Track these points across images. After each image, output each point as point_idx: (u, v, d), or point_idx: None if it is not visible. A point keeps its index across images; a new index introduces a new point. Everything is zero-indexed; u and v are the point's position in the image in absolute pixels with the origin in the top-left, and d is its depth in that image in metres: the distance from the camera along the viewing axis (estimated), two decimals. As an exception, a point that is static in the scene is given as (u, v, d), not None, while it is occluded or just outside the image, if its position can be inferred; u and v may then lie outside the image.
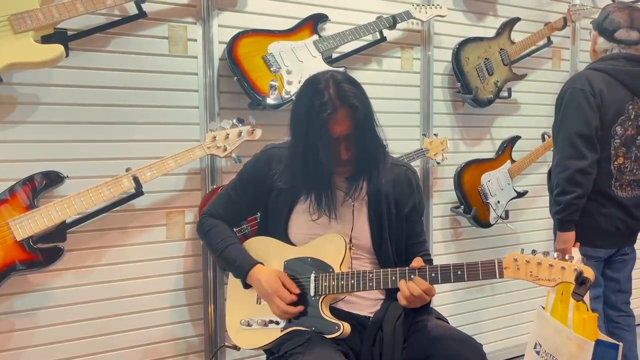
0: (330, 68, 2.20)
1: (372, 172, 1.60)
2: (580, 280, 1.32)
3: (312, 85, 1.54)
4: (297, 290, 1.58)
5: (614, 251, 2.13)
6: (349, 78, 1.57)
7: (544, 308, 1.75)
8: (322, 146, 1.51)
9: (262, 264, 1.64)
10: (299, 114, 1.55)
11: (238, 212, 1.77)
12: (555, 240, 2.16)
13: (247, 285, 1.66)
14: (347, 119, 1.50)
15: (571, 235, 2.03)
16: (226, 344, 1.81)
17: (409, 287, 1.47)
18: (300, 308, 1.57)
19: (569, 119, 2.04)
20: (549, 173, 2.22)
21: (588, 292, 1.64)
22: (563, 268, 1.35)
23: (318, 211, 1.60)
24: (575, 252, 1.74)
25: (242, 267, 1.64)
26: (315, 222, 1.63)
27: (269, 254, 1.68)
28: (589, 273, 1.33)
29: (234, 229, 1.87)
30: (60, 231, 1.83)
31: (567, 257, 1.37)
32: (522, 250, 1.42)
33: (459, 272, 1.46)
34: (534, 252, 1.40)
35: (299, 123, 1.54)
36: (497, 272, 1.43)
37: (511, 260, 1.42)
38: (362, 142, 1.54)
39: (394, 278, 1.52)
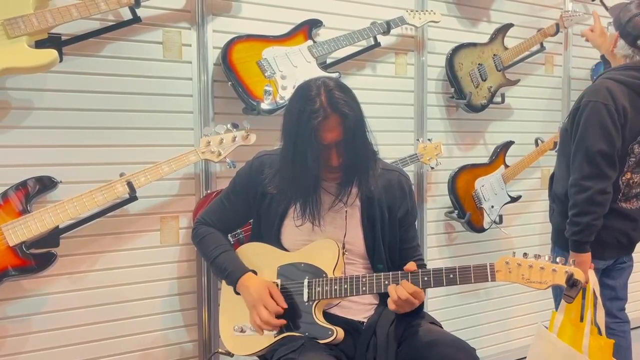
0: (324, 74, 2.21)
1: (363, 178, 1.60)
2: (571, 282, 1.33)
3: (304, 91, 1.54)
4: (284, 305, 1.56)
5: (612, 261, 2.11)
6: (340, 85, 1.56)
7: (546, 328, 1.70)
8: (312, 153, 1.51)
9: (254, 272, 1.64)
10: (290, 120, 1.56)
11: (232, 219, 1.78)
12: (553, 250, 2.15)
13: (239, 293, 1.66)
14: (338, 127, 1.50)
15: (588, 256, 1.94)
16: (219, 350, 1.81)
17: (397, 291, 1.48)
18: (282, 321, 1.54)
19: (590, 136, 1.90)
20: (551, 179, 2.18)
21: (604, 318, 1.62)
22: (554, 270, 1.36)
23: (302, 218, 1.61)
24: (592, 275, 1.64)
25: (233, 275, 1.64)
26: (308, 228, 1.63)
27: (262, 260, 1.68)
28: (580, 275, 1.34)
29: (229, 235, 1.88)
30: (53, 236, 1.82)
31: (558, 259, 1.38)
32: (514, 253, 1.43)
33: (452, 276, 1.47)
34: (525, 255, 1.41)
35: (290, 129, 1.55)
36: (489, 275, 1.44)
37: (503, 264, 1.43)
38: (353, 149, 1.54)
39: (386, 282, 1.52)
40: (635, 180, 2.03)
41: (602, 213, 1.92)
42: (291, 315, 1.59)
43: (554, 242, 2.15)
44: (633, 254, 2.21)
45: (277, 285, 1.63)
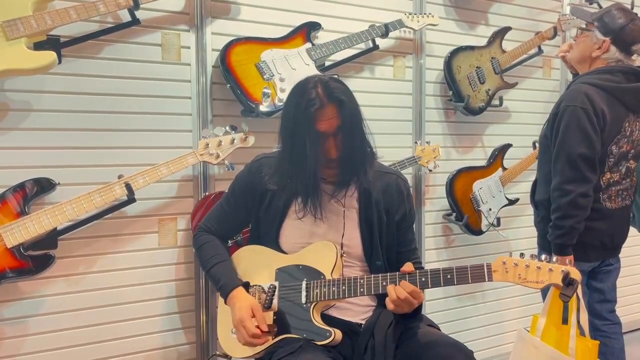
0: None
1: (360, 174, 1.60)
2: (567, 281, 1.34)
3: (301, 86, 1.58)
4: (265, 328, 1.55)
5: (598, 263, 2.13)
6: (336, 78, 1.60)
7: (528, 331, 1.70)
8: (311, 143, 1.52)
9: (245, 287, 1.63)
10: (288, 113, 1.58)
11: (232, 223, 1.78)
12: (539, 252, 2.16)
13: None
14: (334, 115, 1.52)
15: (570, 259, 1.96)
16: (217, 352, 1.80)
17: (396, 291, 1.48)
18: (264, 340, 1.53)
19: (570, 140, 1.94)
20: (533, 185, 2.20)
21: (587, 320, 1.62)
22: (550, 270, 1.37)
23: (303, 210, 1.61)
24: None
25: (224, 289, 1.63)
26: (308, 227, 1.63)
27: (260, 263, 1.68)
28: (576, 274, 1.35)
29: (228, 245, 1.87)
30: (51, 238, 1.83)
31: (554, 259, 1.38)
32: (511, 253, 1.44)
33: (449, 276, 1.47)
34: (522, 255, 1.42)
35: (288, 122, 1.57)
36: (486, 275, 1.45)
37: (500, 264, 1.43)
38: (350, 141, 1.55)
39: (384, 283, 1.52)
40: (615, 178, 2.06)
41: (585, 216, 1.95)
42: (289, 317, 1.59)
43: (540, 246, 2.16)
44: (621, 257, 2.22)
45: (275, 287, 1.63)
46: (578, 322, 1.58)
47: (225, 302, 1.64)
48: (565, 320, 1.64)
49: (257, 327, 1.54)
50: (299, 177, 1.58)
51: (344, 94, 1.54)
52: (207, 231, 1.76)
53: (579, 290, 1.62)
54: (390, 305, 1.49)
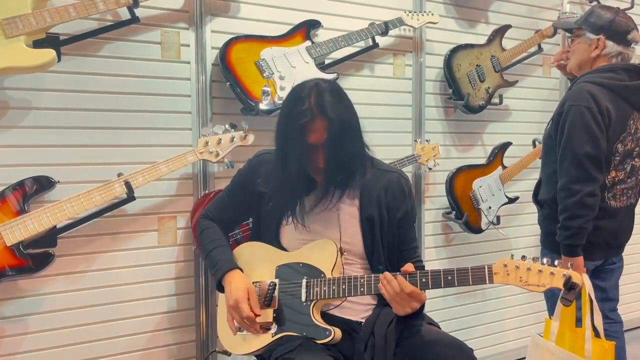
0: (322, 74, 2.22)
1: (354, 179, 1.60)
2: (569, 285, 1.33)
3: (296, 92, 1.57)
4: (258, 312, 1.56)
5: (601, 262, 2.12)
6: (332, 89, 1.57)
7: (541, 336, 1.69)
8: (298, 152, 1.54)
9: (241, 270, 1.64)
10: (280, 119, 1.60)
11: (230, 214, 1.80)
12: (542, 252, 2.16)
13: (221, 289, 1.65)
14: (322, 129, 1.52)
15: (581, 259, 1.96)
16: (217, 349, 1.81)
17: (391, 285, 1.48)
18: (256, 327, 1.56)
19: (575, 140, 1.92)
20: (537, 186, 2.20)
21: (601, 321, 1.63)
22: (552, 274, 1.36)
23: (289, 218, 1.64)
24: (586, 279, 1.62)
25: (220, 270, 1.64)
26: (306, 228, 1.63)
27: (260, 260, 1.68)
28: (578, 278, 1.34)
29: (228, 234, 1.88)
30: (51, 236, 1.82)
31: (556, 262, 1.38)
32: (512, 255, 1.43)
33: (450, 277, 1.47)
34: (523, 257, 1.42)
35: (280, 128, 1.59)
36: (487, 277, 1.44)
37: (501, 266, 1.43)
38: (337, 153, 1.54)
39: (384, 283, 1.52)
40: (620, 177, 2.05)
41: (593, 215, 1.94)
42: (289, 314, 1.59)
43: (543, 244, 2.16)
44: (623, 255, 2.21)
45: (275, 284, 1.63)
46: (592, 323, 1.58)
47: (220, 283, 1.64)
48: (579, 323, 1.64)
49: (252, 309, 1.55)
50: (285, 186, 1.60)
51: (333, 110, 1.51)
52: (209, 218, 1.79)
53: (592, 292, 1.62)
54: (388, 297, 1.49)
